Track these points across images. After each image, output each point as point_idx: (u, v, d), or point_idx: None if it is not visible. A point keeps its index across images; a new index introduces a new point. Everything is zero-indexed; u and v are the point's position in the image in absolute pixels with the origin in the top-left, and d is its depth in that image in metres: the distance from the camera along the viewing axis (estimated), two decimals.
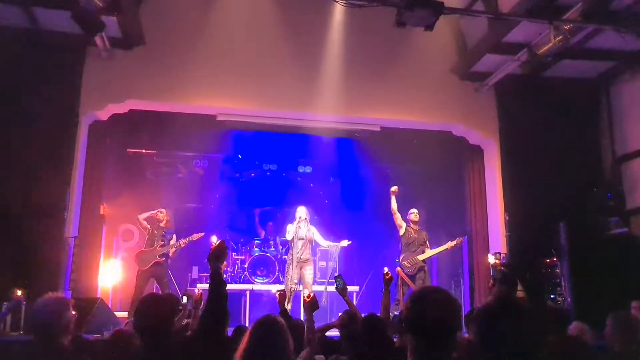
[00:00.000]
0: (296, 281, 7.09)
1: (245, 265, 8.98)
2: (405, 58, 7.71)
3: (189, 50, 7.39)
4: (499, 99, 8.22)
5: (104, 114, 7.50)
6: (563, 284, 6.87)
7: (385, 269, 4.50)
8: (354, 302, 7.71)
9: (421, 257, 7.35)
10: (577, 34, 6.48)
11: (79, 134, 7.12)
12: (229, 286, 5.60)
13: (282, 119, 8.17)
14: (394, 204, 7.45)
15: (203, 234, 7.51)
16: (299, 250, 7.11)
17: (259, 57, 7.57)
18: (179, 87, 7.40)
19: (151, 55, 7.38)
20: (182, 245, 7.51)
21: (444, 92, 8.11)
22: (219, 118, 7.95)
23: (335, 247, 7.81)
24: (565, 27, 6.11)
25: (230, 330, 3.70)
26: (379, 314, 3.91)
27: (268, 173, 10.36)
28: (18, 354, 3.70)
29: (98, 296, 7.25)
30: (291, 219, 7.55)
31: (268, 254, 9.17)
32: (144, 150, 9.51)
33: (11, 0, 6.35)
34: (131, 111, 7.69)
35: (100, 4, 5.61)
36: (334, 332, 4.43)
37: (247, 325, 5.69)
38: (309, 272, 7.19)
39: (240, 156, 9.99)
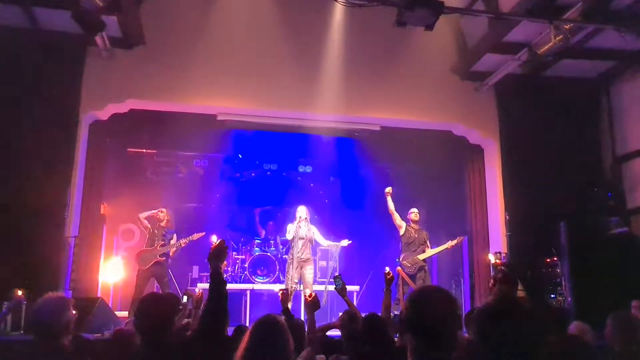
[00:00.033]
0: (296, 281, 7.08)
1: (246, 265, 8.98)
2: (405, 58, 7.71)
3: (189, 50, 7.39)
4: (499, 98, 8.22)
5: (104, 114, 7.50)
6: (563, 283, 6.87)
7: (387, 269, 4.50)
8: (354, 302, 7.72)
9: (421, 256, 7.35)
10: (577, 33, 6.48)
11: (79, 133, 7.12)
12: (230, 286, 5.61)
13: (282, 118, 8.17)
14: (390, 205, 7.46)
15: (203, 233, 7.50)
16: (300, 250, 7.11)
17: (259, 57, 7.58)
18: (179, 86, 7.41)
19: (151, 55, 7.38)
20: (183, 245, 7.51)
21: (444, 92, 8.11)
22: (219, 118, 7.95)
23: (336, 246, 7.80)
24: (565, 27, 6.11)
25: (230, 330, 3.70)
26: (379, 314, 3.91)
27: (268, 173, 10.37)
28: (18, 354, 3.69)
29: (98, 295, 7.26)
30: (291, 218, 7.55)
31: (268, 254, 9.17)
32: (144, 150, 9.52)
33: (11, 0, 6.35)
34: (131, 111, 7.69)
35: (101, 4, 5.61)
36: (334, 332, 4.43)
37: (247, 324, 5.70)
38: (309, 272, 7.18)
39: (240, 156, 9.99)
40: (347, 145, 9.34)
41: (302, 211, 7.33)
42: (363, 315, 3.73)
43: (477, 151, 8.65)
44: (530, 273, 7.10)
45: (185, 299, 4.84)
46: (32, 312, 2.79)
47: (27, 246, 6.29)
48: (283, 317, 2.60)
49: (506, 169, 8.03)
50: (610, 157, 8.08)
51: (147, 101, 7.62)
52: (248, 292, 8.39)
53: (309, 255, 7.26)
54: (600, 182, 7.95)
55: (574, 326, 3.95)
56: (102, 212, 8.29)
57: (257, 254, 9.16)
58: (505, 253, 7.65)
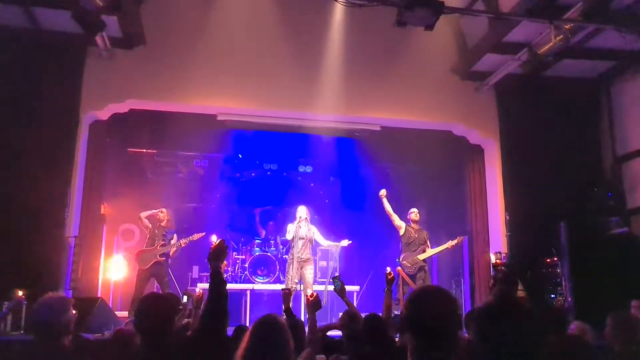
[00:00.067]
0: (297, 281, 7.09)
1: (246, 265, 8.98)
2: (405, 58, 7.71)
3: (189, 50, 7.39)
4: (499, 98, 8.22)
5: (104, 114, 7.50)
6: (563, 283, 6.87)
7: (388, 269, 4.51)
8: (354, 302, 7.72)
9: (421, 256, 7.35)
10: (577, 33, 6.48)
11: (79, 133, 7.12)
12: (230, 286, 5.61)
13: (283, 118, 8.17)
14: (387, 207, 7.46)
15: (204, 233, 7.50)
16: (300, 250, 7.11)
17: (259, 57, 7.58)
18: (179, 86, 7.41)
19: (151, 55, 7.38)
20: (183, 245, 7.51)
21: (444, 92, 8.11)
22: (219, 118, 7.95)
23: (336, 246, 7.81)
24: (565, 27, 6.11)
25: (230, 330, 3.70)
26: (380, 314, 3.91)
27: (268, 173, 10.37)
28: (18, 354, 3.70)
29: (98, 296, 7.26)
30: (291, 218, 7.55)
31: (268, 254, 9.17)
32: (144, 150, 9.51)
33: (11, 0, 6.35)
34: (131, 111, 7.69)
35: (101, 4, 5.60)
36: (335, 332, 4.43)
37: (247, 324, 5.70)
38: (309, 272, 7.18)
39: (240, 156, 9.99)
40: (347, 145, 9.34)
41: (302, 211, 7.33)
42: (363, 315, 3.73)
43: (477, 151, 8.65)
44: (530, 273, 7.10)
45: (185, 299, 4.84)
46: (33, 312, 2.79)
47: (27, 246, 6.29)
48: (283, 317, 2.60)
49: (506, 169, 8.03)
50: (611, 157, 8.08)
51: (147, 101, 7.62)
52: (248, 292, 8.38)
53: (309, 255, 7.26)
54: (600, 182, 7.94)
55: (574, 326, 3.95)
56: (102, 212, 8.28)
57: (257, 254, 9.16)
58: (506, 253, 7.65)
